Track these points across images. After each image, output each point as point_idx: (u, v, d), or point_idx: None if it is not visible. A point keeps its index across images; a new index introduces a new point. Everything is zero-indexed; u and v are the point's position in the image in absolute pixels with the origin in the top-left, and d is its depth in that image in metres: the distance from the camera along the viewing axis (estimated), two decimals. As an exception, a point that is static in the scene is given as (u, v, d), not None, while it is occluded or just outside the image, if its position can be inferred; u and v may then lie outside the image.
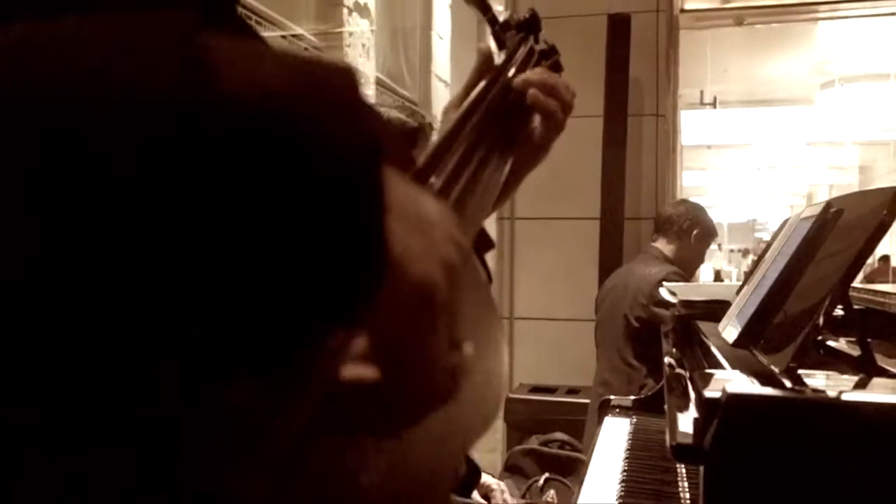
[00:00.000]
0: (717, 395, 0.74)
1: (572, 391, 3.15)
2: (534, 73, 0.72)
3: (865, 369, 0.97)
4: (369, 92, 5.15)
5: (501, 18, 0.85)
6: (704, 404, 0.76)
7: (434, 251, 0.33)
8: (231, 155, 0.26)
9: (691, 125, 7.23)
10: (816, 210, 1.26)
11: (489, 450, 3.27)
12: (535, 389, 3.22)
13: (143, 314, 0.25)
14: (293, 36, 4.34)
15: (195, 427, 0.28)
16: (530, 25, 0.83)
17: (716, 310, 1.62)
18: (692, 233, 2.83)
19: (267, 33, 4.16)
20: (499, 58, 0.76)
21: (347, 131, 0.30)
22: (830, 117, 7.08)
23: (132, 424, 0.26)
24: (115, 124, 0.25)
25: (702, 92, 6.46)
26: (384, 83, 5.62)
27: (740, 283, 1.72)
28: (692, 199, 3.15)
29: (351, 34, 5.02)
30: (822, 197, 10.05)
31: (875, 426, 0.72)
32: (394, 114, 1.46)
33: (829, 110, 6.75)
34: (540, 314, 3.44)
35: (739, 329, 1.24)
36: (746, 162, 9.70)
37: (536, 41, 0.85)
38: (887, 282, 5.87)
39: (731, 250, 12.85)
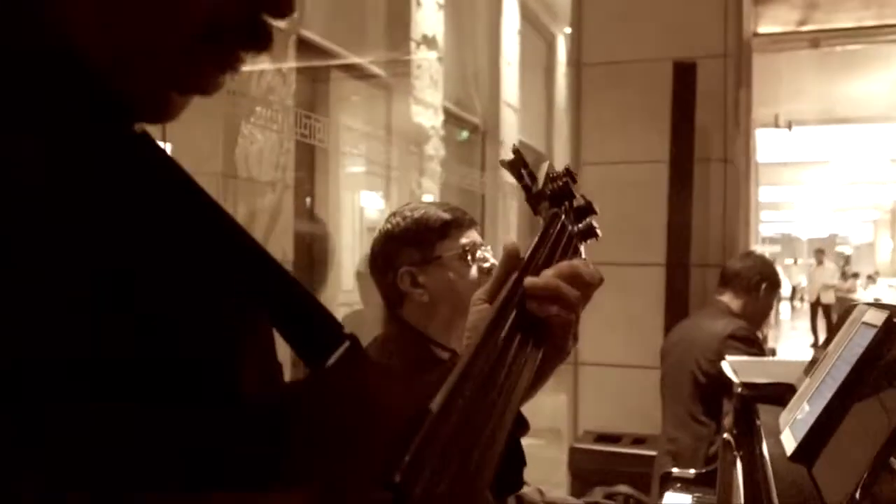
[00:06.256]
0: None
1: (638, 440, 3.12)
2: (539, 282, 0.68)
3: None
4: (437, 121, 5.21)
5: (539, 183, 0.85)
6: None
7: None
8: None
9: (766, 144, 7.04)
10: (880, 318, 1.23)
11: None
12: (601, 438, 3.19)
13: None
14: (355, 66, 4.46)
15: None
16: (563, 194, 0.83)
17: (779, 392, 1.60)
18: (761, 287, 2.79)
19: (334, 62, 4.27)
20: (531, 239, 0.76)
21: None
22: (915, 136, 6.82)
23: None
24: None
25: (776, 115, 6.29)
26: (452, 112, 5.69)
27: (805, 363, 1.68)
28: (759, 251, 3.09)
29: (419, 66, 5.10)
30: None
31: None
32: (432, 211, 1.48)
33: (912, 129, 6.51)
34: (605, 360, 3.42)
35: (797, 442, 1.22)
36: (825, 178, 9.40)
37: (571, 204, 0.86)
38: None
39: (811, 265, 12.51)
